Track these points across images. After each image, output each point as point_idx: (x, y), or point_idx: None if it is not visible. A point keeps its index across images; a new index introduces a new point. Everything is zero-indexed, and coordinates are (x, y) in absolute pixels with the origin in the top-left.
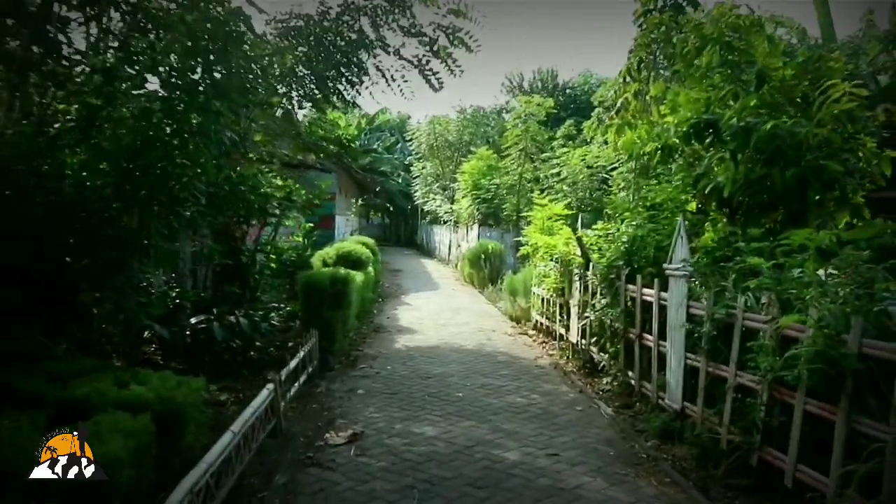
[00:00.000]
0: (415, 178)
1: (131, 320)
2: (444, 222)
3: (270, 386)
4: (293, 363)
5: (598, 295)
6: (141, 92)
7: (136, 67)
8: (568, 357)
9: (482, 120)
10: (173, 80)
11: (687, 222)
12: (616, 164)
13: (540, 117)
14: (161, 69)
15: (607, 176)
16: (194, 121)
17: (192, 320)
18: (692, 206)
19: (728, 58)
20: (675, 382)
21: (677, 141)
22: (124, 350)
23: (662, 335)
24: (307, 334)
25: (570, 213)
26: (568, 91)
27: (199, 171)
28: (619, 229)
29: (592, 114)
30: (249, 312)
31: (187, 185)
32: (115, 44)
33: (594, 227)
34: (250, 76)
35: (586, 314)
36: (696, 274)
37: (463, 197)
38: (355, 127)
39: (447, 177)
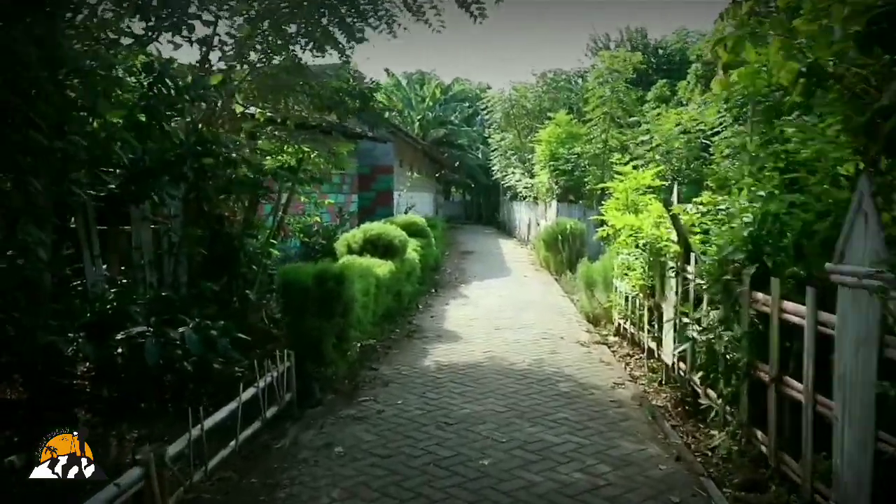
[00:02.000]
0: (492, 150)
1: (26, 333)
2: (524, 198)
3: (134, 473)
4: (220, 415)
5: (704, 303)
6: None
7: None
8: (660, 382)
9: (563, 84)
10: None
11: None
12: (718, 129)
13: (627, 75)
14: None
15: (708, 142)
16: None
17: (120, 335)
18: (848, 167)
19: None
20: (855, 478)
21: (832, 60)
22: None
23: (824, 386)
24: (279, 353)
25: (661, 184)
26: (660, 51)
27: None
28: (735, 203)
29: (689, 71)
30: (205, 323)
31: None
32: None
33: (695, 200)
34: None
35: (687, 330)
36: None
37: (541, 169)
38: (430, 97)
39: (526, 148)
